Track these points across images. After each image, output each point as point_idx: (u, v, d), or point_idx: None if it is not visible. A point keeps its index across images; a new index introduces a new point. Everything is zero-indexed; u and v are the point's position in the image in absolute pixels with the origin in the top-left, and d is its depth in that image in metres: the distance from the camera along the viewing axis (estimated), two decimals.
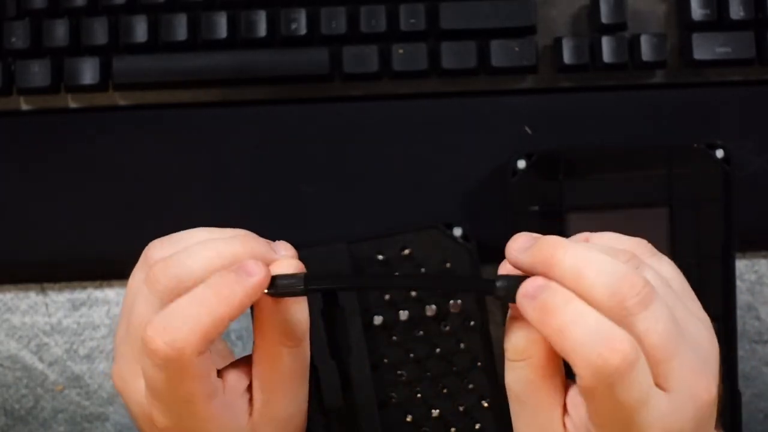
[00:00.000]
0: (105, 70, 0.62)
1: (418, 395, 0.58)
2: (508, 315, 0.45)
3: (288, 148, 0.62)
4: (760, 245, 0.63)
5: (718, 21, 0.61)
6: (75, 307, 0.63)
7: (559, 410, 0.44)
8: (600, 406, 0.41)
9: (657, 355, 0.41)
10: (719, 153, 0.58)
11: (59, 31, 0.61)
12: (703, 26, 0.61)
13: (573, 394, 0.44)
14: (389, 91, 0.62)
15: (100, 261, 0.62)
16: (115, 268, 0.62)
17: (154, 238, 0.48)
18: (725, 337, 0.57)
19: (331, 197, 0.61)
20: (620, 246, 0.45)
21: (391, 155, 0.62)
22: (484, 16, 0.61)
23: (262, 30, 0.61)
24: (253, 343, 0.47)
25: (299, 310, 0.46)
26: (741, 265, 0.63)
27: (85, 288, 0.63)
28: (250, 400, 0.47)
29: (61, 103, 0.62)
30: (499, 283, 0.44)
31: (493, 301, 0.61)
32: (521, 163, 0.58)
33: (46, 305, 0.63)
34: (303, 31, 0.61)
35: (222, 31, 0.61)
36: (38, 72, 0.61)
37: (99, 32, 0.61)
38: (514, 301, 0.43)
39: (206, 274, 0.44)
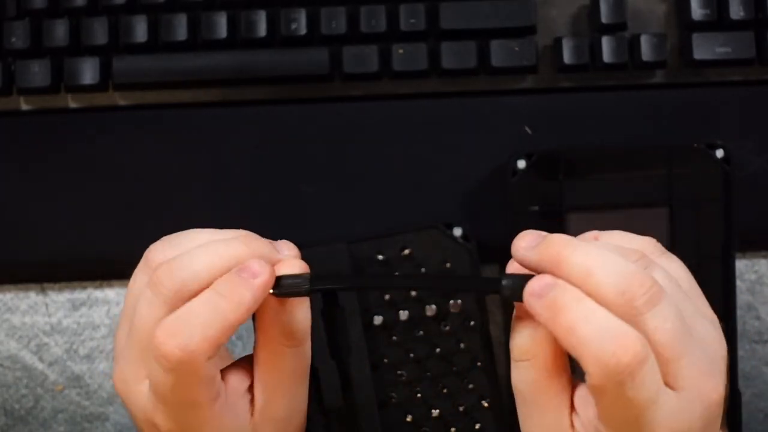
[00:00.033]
0: (105, 70, 0.62)
1: (418, 395, 0.58)
2: (513, 315, 0.45)
3: (288, 148, 0.62)
4: (760, 245, 0.63)
5: (718, 21, 0.61)
6: (75, 307, 0.63)
7: (566, 410, 0.44)
8: (609, 404, 0.41)
9: (666, 354, 0.41)
10: (719, 153, 0.58)
11: (59, 31, 0.61)
12: (703, 26, 0.61)
13: (580, 393, 0.44)
14: (389, 91, 0.62)
15: (100, 261, 0.62)
16: (115, 268, 0.62)
17: (154, 238, 0.48)
18: (725, 337, 0.57)
19: (331, 197, 0.61)
20: (629, 245, 0.45)
21: (391, 155, 0.62)
22: (484, 16, 0.61)
23: (262, 30, 0.61)
24: (255, 343, 0.47)
25: (302, 310, 0.46)
26: (741, 265, 0.63)
27: (85, 288, 0.63)
28: (251, 400, 0.47)
29: (61, 103, 0.62)
30: (504, 282, 0.44)
31: (493, 300, 0.61)
32: (521, 163, 0.58)
33: (46, 305, 0.63)
34: (303, 31, 0.61)
35: (222, 31, 0.61)
36: (38, 72, 0.61)
37: (99, 32, 0.61)
38: (519, 299, 0.43)
39: (210, 276, 0.44)
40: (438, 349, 0.58)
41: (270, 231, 0.49)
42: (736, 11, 0.61)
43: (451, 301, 0.58)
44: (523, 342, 0.44)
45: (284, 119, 0.62)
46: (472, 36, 0.61)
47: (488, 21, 0.61)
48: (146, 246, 0.47)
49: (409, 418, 0.58)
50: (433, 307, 0.58)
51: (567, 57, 0.61)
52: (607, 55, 0.61)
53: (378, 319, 0.58)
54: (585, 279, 0.42)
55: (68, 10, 0.61)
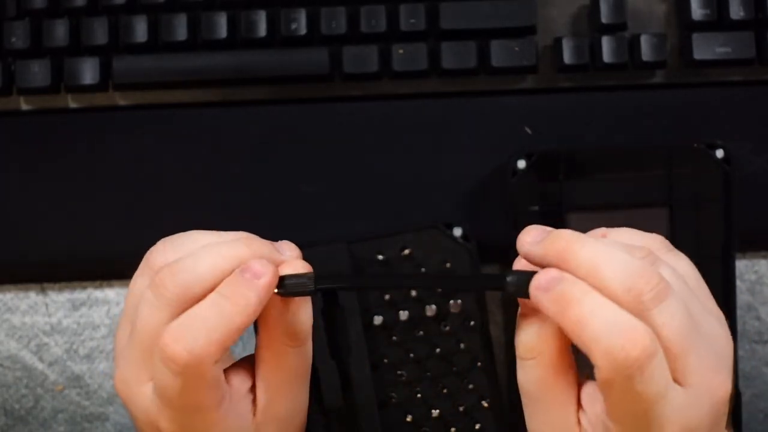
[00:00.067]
0: (105, 70, 0.62)
1: (418, 395, 0.58)
2: (518, 312, 0.45)
3: (288, 148, 0.62)
4: (760, 245, 0.63)
5: (718, 21, 0.61)
6: (75, 307, 0.63)
7: (573, 407, 0.44)
8: (618, 399, 0.41)
9: (673, 350, 0.41)
10: (719, 153, 0.58)
11: (59, 31, 0.61)
12: (703, 26, 0.61)
13: (587, 390, 0.44)
14: (389, 91, 0.62)
15: (100, 261, 0.62)
16: (115, 268, 0.62)
17: (153, 238, 0.48)
18: None
19: (331, 197, 0.61)
20: (637, 242, 0.45)
21: (391, 155, 0.62)
22: (484, 16, 0.61)
23: (262, 30, 0.61)
24: (257, 343, 0.47)
25: (306, 310, 0.46)
26: (741, 265, 0.63)
27: (85, 288, 0.63)
28: (254, 400, 0.47)
29: (61, 103, 0.62)
30: (509, 278, 0.44)
31: (493, 300, 0.61)
32: (521, 163, 0.58)
33: (46, 305, 0.63)
34: (303, 31, 0.61)
35: (222, 31, 0.61)
36: (38, 72, 0.61)
37: (99, 32, 0.61)
38: (524, 295, 0.43)
39: (212, 278, 0.44)
40: (438, 349, 0.58)
41: (270, 231, 0.49)
42: (736, 11, 0.61)
43: (451, 301, 0.58)
44: (528, 340, 0.44)
45: (284, 119, 0.62)
46: (472, 36, 0.61)
47: (488, 21, 0.61)
48: (146, 245, 0.47)
49: (409, 418, 0.58)
50: (433, 307, 0.58)
51: (567, 57, 0.61)
52: (607, 55, 0.61)
53: (378, 319, 0.58)
54: (592, 274, 0.42)
55: (68, 10, 0.61)
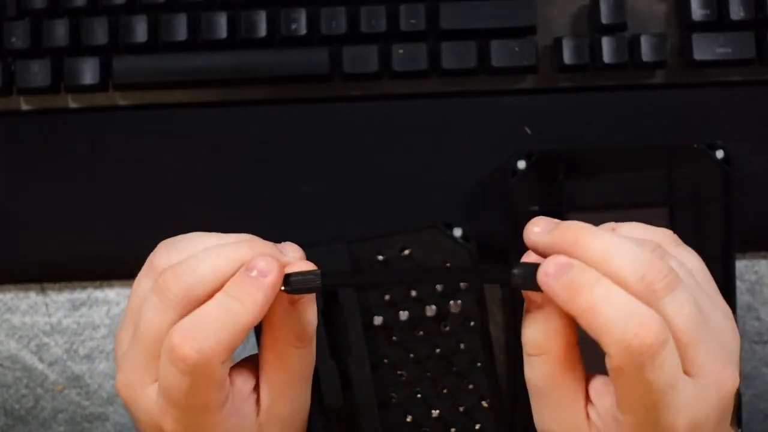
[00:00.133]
0: (105, 70, 0.62)
1: (418, 395, 0.58)
2: (524, 308, 0.45)
3: (288, 148, 0.62)
4: (760, 245, 0.63)
5: (718, 21, 0.61)
6: (75, 307, 0.63)
7: (581, 401, 0.44)
8: (629, 388, 0.41)
9: (683, 339, 0.42)
10: (719, 153, 0.58)
11: (59, 31, 0.61)
12: (703, 26, 0.61)
13: (596, 384, 0.44)
14: (389, 91, 0.62)
15: (100, 261, 0.62)
16: (115, 268, 0.62)
17: (153, 238, 0.48)
18: None
19: (331, 197, 0.61)
20: (647, 236, 0.45)
21: (391, 155, 0.62)
22: (484, 16, 0.61)
23: (262, 30, 0.61)
24: (261, 344, 0.47)
25: (312, 310, 0.47)
26: (741, 265, 0.63)
27: (85, 288, 0.63)
28: (257, 400, 0.47)
29: (61, 103, 0.62)
30: (515, 271, 0.44)
31: (493, 300, 0.61)
32: (521, 163, 0.58)
33: (46, 305, 0.63)
34: (303, 31, 0.61)
35: (222, 31, 0.61)
36: (38, 72, 0.61)
37: (99, 32, 0.61)
38: (531, 287, 0.43)
39: (216, 280, 0.44)
40: (438, 349, 0.58)
41: (270, 231, 0.49)
42: (736, 11, 0.61)
43: (451, 302, 0.58)
44: (535, 336, 0.44)
45: (284, 119, 0.62)
46: (472, 36, 0.61)
47: (488, 21, 0.61)
48: (146, 246, 0.47)
49: (409, 418, 0.58)
50: (433, 307, 0.58)
51: (567, 57, 0.61)
52: (607, 55, 0.61)
53: (378, 319, 0.58)
54: (603, 263, 0.42)
55: (68, 10, 0.61)
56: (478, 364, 0.58)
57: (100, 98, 0.62)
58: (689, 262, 0.45)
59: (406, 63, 0.61)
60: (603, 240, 0.43)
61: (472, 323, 0.58)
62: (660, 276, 0.42)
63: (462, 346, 0.58)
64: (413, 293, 0.58)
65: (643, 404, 0.42)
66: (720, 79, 0.62)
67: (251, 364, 0.47)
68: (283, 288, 0.45)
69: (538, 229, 0.45)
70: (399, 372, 0.58)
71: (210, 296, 0.44)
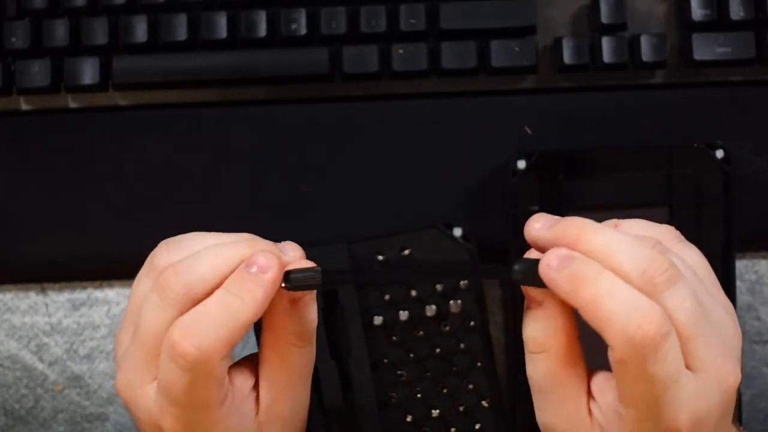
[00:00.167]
0: (105, 70, 0.62)
1: (418, 395, 0.58)
2: (525, 306, 0.45)
3: (288, 148, 0.62)
4: (760, 245, 0.63)
5: (718, 21, 0.61)
6: (75, 307, 0.63)
7: (583, 397, 0.44)
8: (631, 380, 0.41)
9: (684, 333, 0.42)
10: (719, 153, 0.58)
11: (59, 31, 0.61)
12: (703, 26, 0.61)
13: (598, 379, 0.44)
14: (389, 91, 0.62)
15: (100, 261, 0.62)
16: (115, 268, 0.62)
17: (153, 238, 0.48)
18: None
19: (331, 197, 0.61)
20: (649, 232, 0.46)
21: (391, 155, 0.62)
22: (484, 16, 0.61)
23: (262, 30, 0.61)
24: (261, 342, 0.47)
25: (313, 309, 0.47)
26: (741, 265, 0.63)
27: (85, 288, 0.63)
28: (256, 399, 0.47)
29: (61, 103, 0.62)
30: (516, 267, 0.44)
31: (493, 300, 0.61)
32: (521, 163, 0.58)
33: (46, 305, 0.63)
34: (303, 31, 0.61)
35: (222, 31, 0.61)
36: (38, 72, 0.61)
37: (99, 32, 0.61)
38: (532, 283, 0.43)
39: (216, 278, 0.44)
40: (438, 349, 0.58)
41: (270, 231, 0.49)
42: (736, 11, 0.61)
43: (451, 301, 0.58)
44: (536, 334, 0.44)
45: (284, 119, 0.62)
46: (472, 36, 0.61)
47: (488, 21, 0.61)
48: (146, 245, 0.47)
49: (409, 418, 0.58)
50: (433, 307, 0.58)
51: (567, 57, 0.61)
52: (607, 55, 0.61)
53: (378, 319, 0.58)
54: (605, 257, 0.42)
55: (68, 10, 0.61)
56: (478, 364, 0.58)
57: (100, 98, 0.62)
58: (691, 258, 0.46)
59: (406, 63, 0.61)
60: (604, 235, 0.43)
61: (472, 323, 0.58)
62: (660, 270, 0.42)
63: (462, 346, 0.58)
64: (413, 293, 0.58)
65: (645, 398, 0.42)
66: (720, 79, 0.62)
67: (251, 363, 0.47)
68: (283, 285, 0.45)
69: (539, 225, 0.45)
70: (399, 372, 0.58)
71: (210, 295, 0.44)
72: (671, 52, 0.62)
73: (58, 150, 0.62)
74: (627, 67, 0.61)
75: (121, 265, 0.61)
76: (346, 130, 0.62)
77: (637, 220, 0.47)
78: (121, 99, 0.62)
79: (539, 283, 0.43)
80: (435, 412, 0.58)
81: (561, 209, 0.58)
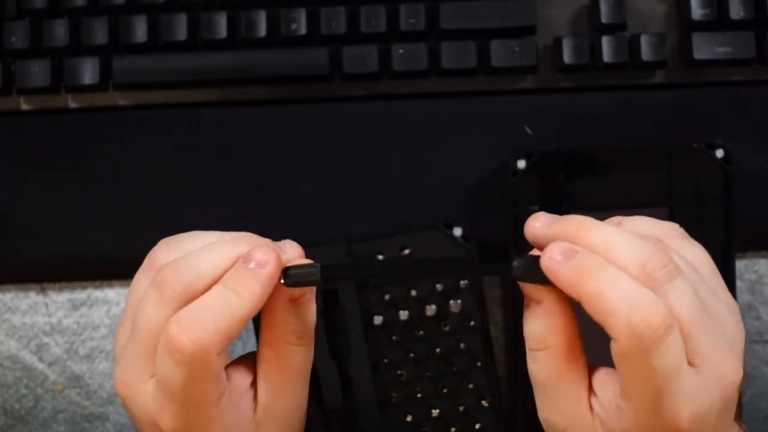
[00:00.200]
0: (105, 70, 0.62)
1: (418, 395, 0.58)
2: (524, 304, 0.45)
3: (288, 148, 0.62)
4: (760, 245, 0.63)
5: (718, 21, 0.61)
6: (75, 307, 0.63)
7: (585, 393, 0.45)
8: (633, 373, 0.42)
9: (684, 329, 0.42)
10: (719, 153, 0.58)
11: (59, 31, 0.61)
12: (703, 26, 0.61)
13: (599, 375, 0.45)
14: (389, 91, 0.62)
15: (100, 261, 0.62)
16: (115, 268, 0.62)
17: (153, 238, 0.48)
18: None
19: (331, 197, 0.61)
20: (653, 229, 0.46)
21: (391, 155, 0.62)
22: (484, 16, 0.61)
23: (262, 30, 0.61)
24: (259, 340, 0.47)
25: (312, 308, 0.47)
26: (741, 265, 0.63)
27: (85, 288, 0.63)
28: (254, 397, 0.47)
29: (61, 103, 0.62)
30: (515, 263, 0.44)
31: (493, 300, 0.61)
32: (521, 163, 0.58)
33: (46, 305, 0.63)
34: (303, 31, 0.61)
35: (222, 31, 0.61)
36: (38, 72, 0.61)
37: (99, 32, 0.61)
38: (531, 279, 0.43)
39: (215, 276, 0.44)
40: (438, 349, 0.58)
41: (270, 231, 0.49)
42: (736, 11, 0.61)
43: (451, 301, 0.58)
44: (537, 332, 0.45)
45: (284, 119, 0.62)
46: (472, 36, 0.61)
47: (488, 21, 0.61)
48: (146, 245, 0.48)
49: (409, 418, 0.58)
50: (433, 306, 0.58)
51: (567, 57, 0.61)
52: (607, 55, 0.61)
53: (378, 319, 0.58)
54: (605, 252, 0.42)
55: (68, 10, 0.61)
56: (478, 363, 0.58)
57: (100, 98, 0.62)
58: (695, 255, 0.46)
59: (406, 63, 0.61)
60: (604, 231, 0.43)
61: (472, 323, 0.58)
62: (660, 265, 0.42)
63: (462, 345, 0.58)
64: (413, 293, 0.58)
65: (647, 391, 0.42)
66: (720, 78, 0.62)
67: (249, 361, 0.47)
68: (282, 281, 0.45)
69: (539, 224, 0.45)
70: (399, 372, 0.58)
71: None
72: (671, 52, 0.62)
73: (58, 150, 0.62)
74: (627, 67, 0.61)
75: (121, 265, 0.61)
76: (346, 130, 0.62)
77: (641, 217, 0.47)
78: (121, 99, 0.62)
79: (539, 280, 0.43)
80: (435, 412, 0.58)
81: (561, 209, 0.58)
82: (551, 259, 0.43)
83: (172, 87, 0.62)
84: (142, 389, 0.45)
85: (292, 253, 0.47)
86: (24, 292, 0.63)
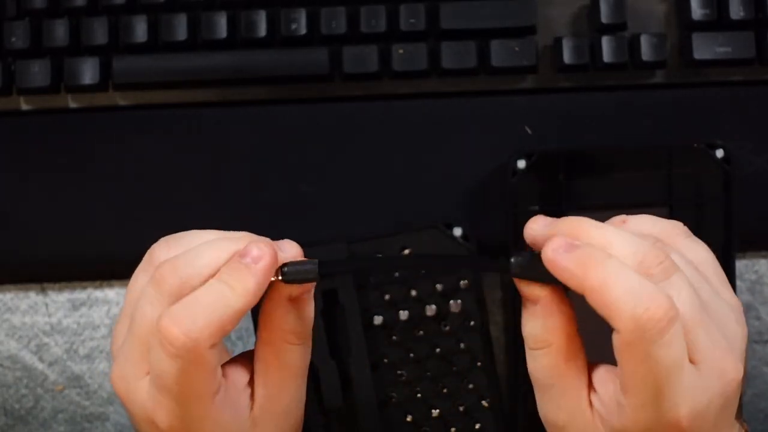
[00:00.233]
0: (105, 70, 0.62)
1: (418, 395, 0.58)
2: (522, 303, 0.45)
3: (288, 148, 0.62)
4: (760, 245, 0.63)
5: (718, 21, 0.61)
6: (75, 307, 0.63)
7: (584, 390, 0.45)
8: (635, 365, 0.42)
9: (684, 325, 0.42)
10: (719, 153, 0.58)
11: (59, 31, 0.61)
12: (703, 26, 0.61)
13: (599, 372, 0.45)
14: (389, 91, 0.62)
15: (100, 261, 0.62)
16: (115, 268, 0.62)
17: (153, 238, 0.48)
18: None
19: (331, 197, 0.61)
20: (656, 227, 0.46)
21: (391, 155, 0.62)
22: (484, 16, 0.61)
23: (262, 30, 0.61)
24: (257, 339, 0.47)
25: (311, 307, 0.47)
26: (741, 265, 0.63)
27: (85, 288, 0.63)
28: (251, 395, 0.47)
29: (61, 103, 0.62)
30: (513, 260, 0.44)
31: (493, 300, 0.61)
32: (521, 163, 0.58)
33: (46, 305, 0.63)
34: (303, 31, 0.61)
35: (222, 31, 0.61)
36: (38, 72, 0.61)
37: (99, 32, 0.61)
38: (530, 276, 0.44)
39: (212, 272, 0.44)
40: (438, 349, 0.58)
41: (270, 231, 0.49)
42: (736, 11, 0.61)
43: (451, 301, 0.58)
44: (536, 331, 0.45)
45: (284, 119, 0.62)
46: (472, 36, 0.61)
47: (488, 21, 0.61)
48: (146, 245, 0.48)
49: (409, 418, 0.58)
50: (433, 306, 0.58)
51: (567, 57, 0.61)
52: (607, 55, 0.61)
53: (378, 319, 0.58)
54: (604, 248, 0.43)
55: (68, 10, 0.61)
56: (478, 364, 0.58)
57: (100, 98, 0.62)
58: (697, 253, 0.46)
59: (406, 63, 0.61)
60: (602, 230, 0.44)
61: (472, 323, 0.58)
62: (656, 262, 0.42)
63: (462, 345, 0.58)
64: (413, 293, 0.58)
65: (647, 385, 0.42)
66: (720, 78, 0.62)
67: (247, 359, 0.48)
68: (279, 278, 0.45)
69: (538, 226, 0.46)
70: (399, 372, 0.58)
71: None
72: (671, 52, 0.62)
73: (58, 150, 0.62)
74: (627, 67, 0.61)
75: (121, 265, 0.60)
76: (346, 130, 0.62)
77: (645, 215, 0.47)
78: (121, 99, 0.62)
79: (537, 277, 0.43)
80: (435, 412, 0.58)
81: (561, 209, 0.58)
82: (554, 251, 0.43)
83: (172, 87, 0.62)
84: (139, 386, 0.45)
85: (290, 252, 0.47)
86: (24, 292, 0.63)
